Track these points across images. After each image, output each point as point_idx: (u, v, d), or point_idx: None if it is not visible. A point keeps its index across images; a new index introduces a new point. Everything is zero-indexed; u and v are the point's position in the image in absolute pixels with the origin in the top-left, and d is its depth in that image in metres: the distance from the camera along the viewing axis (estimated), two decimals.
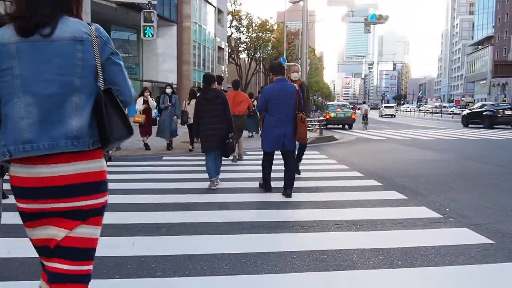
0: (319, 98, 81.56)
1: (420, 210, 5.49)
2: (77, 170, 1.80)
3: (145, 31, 13.51)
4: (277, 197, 6.24)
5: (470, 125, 26.56)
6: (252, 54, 53.94)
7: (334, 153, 12.33)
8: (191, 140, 12.06)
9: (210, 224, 4.69)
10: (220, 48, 44.34)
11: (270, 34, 54.35)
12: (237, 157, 10.08)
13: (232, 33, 52.48)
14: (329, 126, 23.77)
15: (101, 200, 1.89)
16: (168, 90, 12.06)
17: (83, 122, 1.82)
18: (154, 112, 13.13)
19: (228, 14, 48.63)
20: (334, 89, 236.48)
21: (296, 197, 6.28)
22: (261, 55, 54.43)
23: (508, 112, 24.29)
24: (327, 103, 34.10)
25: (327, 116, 24.09)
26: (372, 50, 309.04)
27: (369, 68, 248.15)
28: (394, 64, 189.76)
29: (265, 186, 6.61)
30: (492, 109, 24.91)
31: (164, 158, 10.76)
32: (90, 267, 1.92)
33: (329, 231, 4.55)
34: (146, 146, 12.08)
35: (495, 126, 24.30)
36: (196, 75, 36.27)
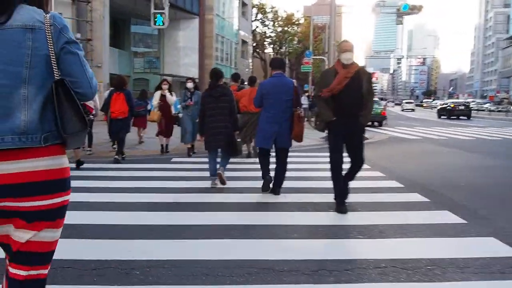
0: None
1: (489, 244, 4.09)
2: (28, 168, 1.64)
3: (155, 19, 12.02)
4: (294, 218, 4.93)
5: (441, 117, 35.36)
6: (278, 48, 52.57)
7: (365, 155, 10.84)
8: None
9: (195, 266, 3.35)
10: (244, 42, 43.02)
11: (296, 28, 52.86)
12: (252, 154, 9.43)
13: (257, 26, 51.12)
14: None
15: (57, 200, 1.70)
16: (190, 85, 9.58)
17: (32, 116, 1.67)
18: (177, 108, 10.37)
19: (253, 7, 47.19)
20: None
21: (323, 218, 5.00)
22: (287, 50, 52.86)
23: (461, 107, 34.85)
24: None
25: None
26: (401, 45, 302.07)
27: (397, 62, 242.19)
28: (424, 59, 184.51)
29: (264, 184, 6.12)
30: (451, 105, 35.63)
31: (173, 160, 9.55)
32: (46, 271, 1.79)
33: (371, 281, 3.18)
34: (162, 148, 10.43)
35: (453, 116, 33.66)
36: None
